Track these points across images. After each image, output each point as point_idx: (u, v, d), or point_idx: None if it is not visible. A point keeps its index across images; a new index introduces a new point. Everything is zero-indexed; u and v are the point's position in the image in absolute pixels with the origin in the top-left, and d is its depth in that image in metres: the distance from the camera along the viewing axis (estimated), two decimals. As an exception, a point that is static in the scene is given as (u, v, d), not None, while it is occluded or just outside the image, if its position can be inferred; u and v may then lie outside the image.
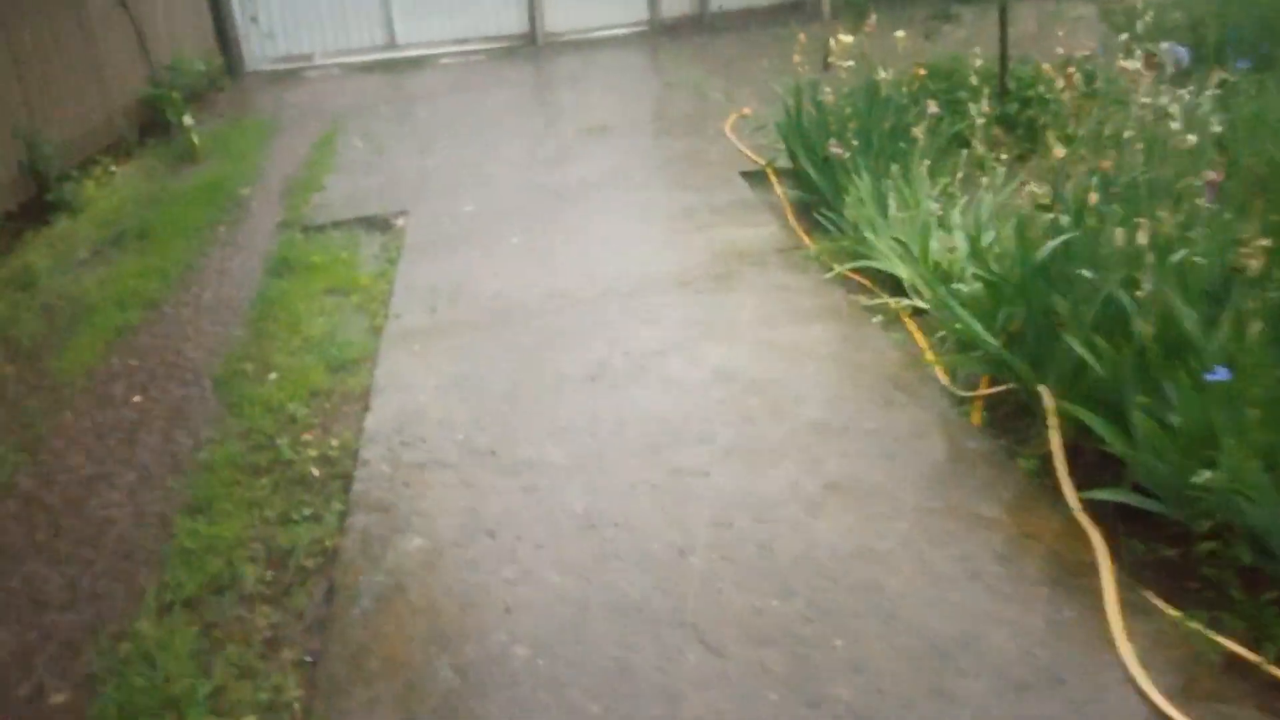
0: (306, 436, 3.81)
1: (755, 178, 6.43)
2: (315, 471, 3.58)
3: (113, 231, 6.30)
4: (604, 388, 3.89)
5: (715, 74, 9.70)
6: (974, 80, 7.19)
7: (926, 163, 4.88)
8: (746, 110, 8.14)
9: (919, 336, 4.20)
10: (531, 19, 11.61)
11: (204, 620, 2.93)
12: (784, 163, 6.29)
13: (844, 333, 4.28)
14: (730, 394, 3.79)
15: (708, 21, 12.26)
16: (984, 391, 3.64)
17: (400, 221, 6.21)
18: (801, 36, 6.34)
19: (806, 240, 5.29)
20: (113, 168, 7.37)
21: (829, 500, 3.14)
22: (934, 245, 4.48)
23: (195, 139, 7.93)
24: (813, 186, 5.60)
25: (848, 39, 5.53)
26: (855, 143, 5.28)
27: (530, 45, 11.66)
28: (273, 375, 4.34)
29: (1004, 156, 6.07)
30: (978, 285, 3.83)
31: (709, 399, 3.77)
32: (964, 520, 3.00)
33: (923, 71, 5.77)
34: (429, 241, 5.79)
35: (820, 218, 5.37)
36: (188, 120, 8.02)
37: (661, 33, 12.02)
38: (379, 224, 6.22)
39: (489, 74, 10.59)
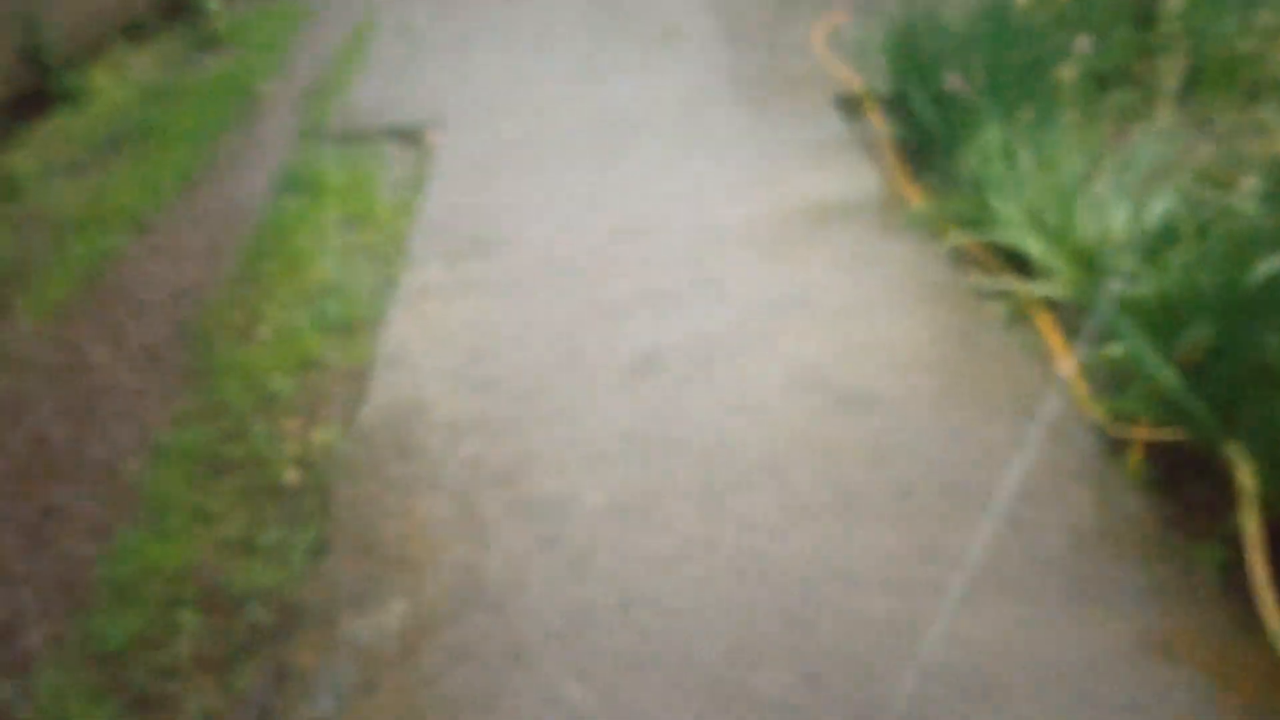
0: (287, 424, 3.10)
1: (851, 106, 5.46)
2: (291, 476, 2.88)
3: (113, 130, 5.57)
4: (653, 391, 3.11)
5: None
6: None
7: (1073, 113, 3.90)
8: (839, 15, 7.08)
9: (1055, 340, 3.34)
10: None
11: (122, 686, 2.28)
12: (887, 90, 5.31)
13: (959, 327, 3.42)
14: (813, 415, 2.98)
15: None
16: (1147, 436, 2.79)
17: (432, 136, 5.37)
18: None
19: (912, 195, 4.38)
20: (126, 54, 6.58)
21: (944, 592, 2.36)
22: (1081, 219, 3.57)
23: (219, 24, 7.09)
24: (922, 126, 4.64)
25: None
26: (981, 76, 4.29)
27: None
28: (261, 332, 3.63)
29: (1153, 102, 5.09)
30: (1147, 290, 2.94)
31: (787, 421, 2.96)
32: (1125, 644, 2.21)
33: (1069, -10, 4.70)
34: (462, 169, 4.97)
35: (930, 168, 4.45)
36: (213, 3, 7.17)
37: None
38: (408, 137, 5.39)
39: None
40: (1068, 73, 3.92)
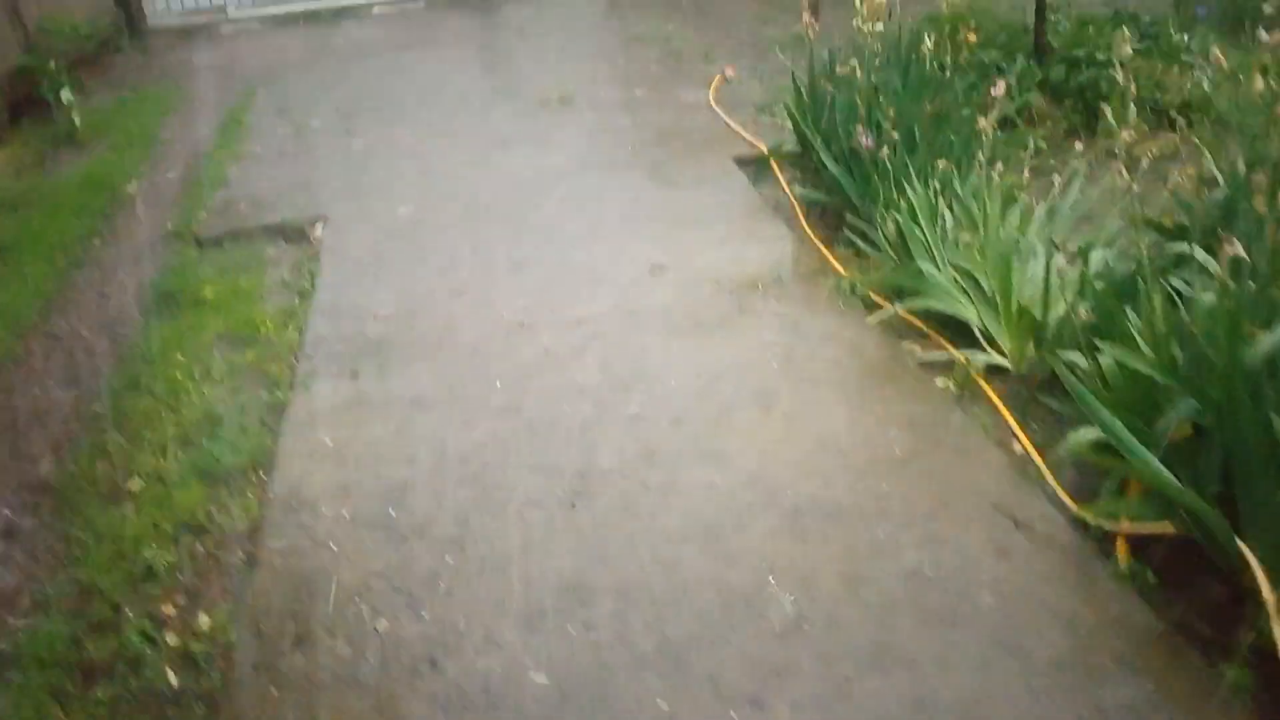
0: (166, 609, 2.61)
1: (756, 167, 5.20)
2: (172, 680, 2.39)
3: (-43, 250, 4.94)
4: (591, 528, 2.71)
5: (687, 25, 8.37)
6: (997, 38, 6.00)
7: (997, 166, 3.69)
8: (730, 71, 6.87)
9: (1010, 419, 3.07)
10: (476, -39, 10.09)
11: None
12: (793, 149, 5.07)
13: (908, 412, 3.13)
14: (772, 537, 2.63)
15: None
16: (1134, 530, 2.52)
17: (318, 230, 4.91)
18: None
19: (833, 261, 4.10)
20: (-32, 160, 5.94)
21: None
22: (1018, 279, 3.33)
23: (77, 118, 6.49)
24: (832, 184, 4.40)
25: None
26: (890, 130, 4.06)
27: (476, -9, 10.17)
28: (132, 485, 3.12)
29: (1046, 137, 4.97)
30: (1110, 361, 2.69)
31: (744, 548, 2.60)
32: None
33: (973, 35, 4.52)
34: (353, 260, 4.53)
35: (848, 230, 4.19)
36: (67, 96, 6.56)
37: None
38: (292, 234, 4.92)
39: (428, 27, 9.14)
40: (986, 121, 3.70)
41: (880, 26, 4.36)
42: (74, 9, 8.04)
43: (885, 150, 4.02)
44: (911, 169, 3.93)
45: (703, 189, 4.93)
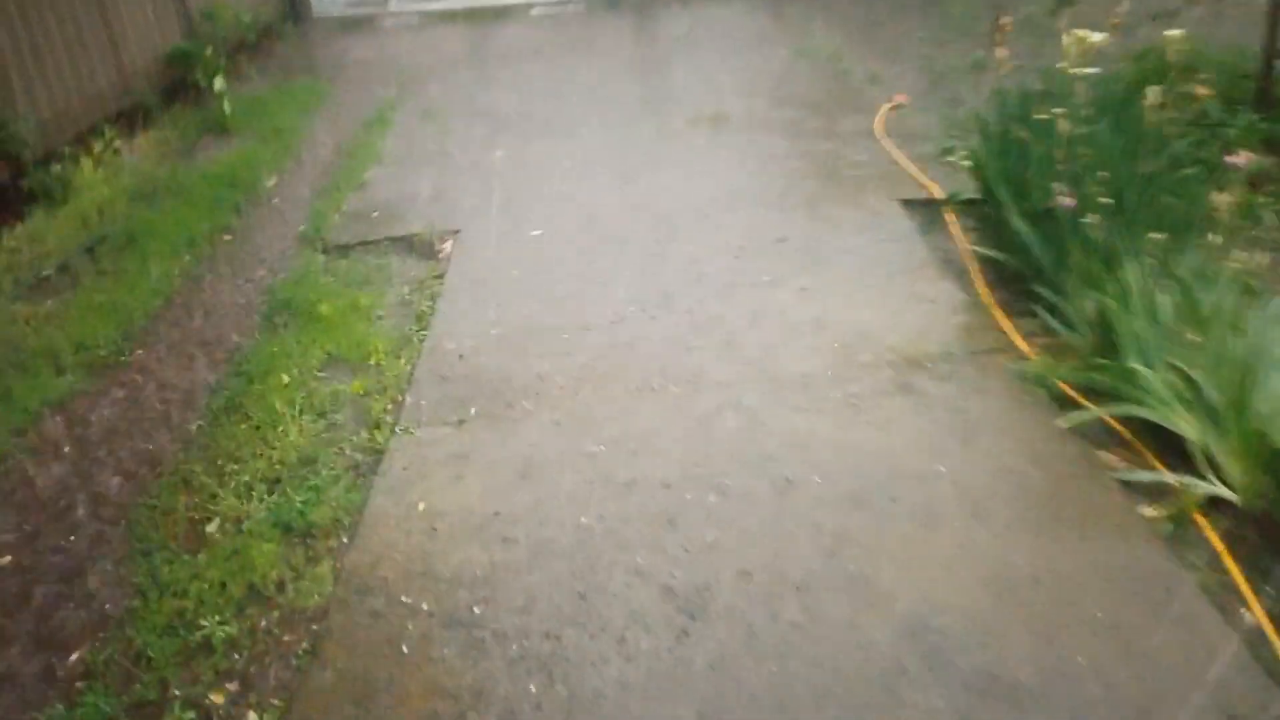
0: (215, 697, 2.26)
1: (923, 211, 4.59)
2: (205, 795, 2.02)
3: (91, 236, 4.83)
4: (702, 661, 2.22)
5: (855, 42, 7.75)
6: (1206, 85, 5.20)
7: (1233, 252, 3.01)
8: (901, 98, 6.24)
9: (1236, 570, 2.42)
10: (639, -35, 9.71)
11: None
12: (969, 191, 4.44)
13: (1107, 549, 2.51)
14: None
15: (845, -25, 10.16)
16: None
17: (447, 247, 4.58)
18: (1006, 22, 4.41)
19: (1016, 338, 3.48)
20: (119, 143, 5.88)
21: None
22: (1259, 395, 2.66)
23: (227, 106, 6.40)
24: (1019, 245, 3.77)
25: (1093, 36, 3.60)
26: (1101, 194, 3.41)
27: (636, -4, 9.79)
28: (210, 529, 2.80)
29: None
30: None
31: None
32: None
33: (1204, 89, 3.81)
34: (478, 283, 4.16)
35: (1031, 298, 3.57)
36: (219, 84, 6.48)
37: (789, -14, 9.99)
38: (420, 248, 4.60)
39: (584, 31, 8.81)
40: (1223, 195, 3.03)
41: (1090, 69, 3.69)
42: (242, -5, 8.06)
43: (1090, 215, 3.38)
44: (1118, 240, 3.28)
45: (864, 235, 4.35)
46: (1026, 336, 3.51)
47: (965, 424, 3.04)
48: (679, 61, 7.65)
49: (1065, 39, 3.65)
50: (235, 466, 3.06)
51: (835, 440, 2.97)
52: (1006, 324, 3.57)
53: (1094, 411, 2.98)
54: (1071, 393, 3.11)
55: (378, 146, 5.95)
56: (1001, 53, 4.11)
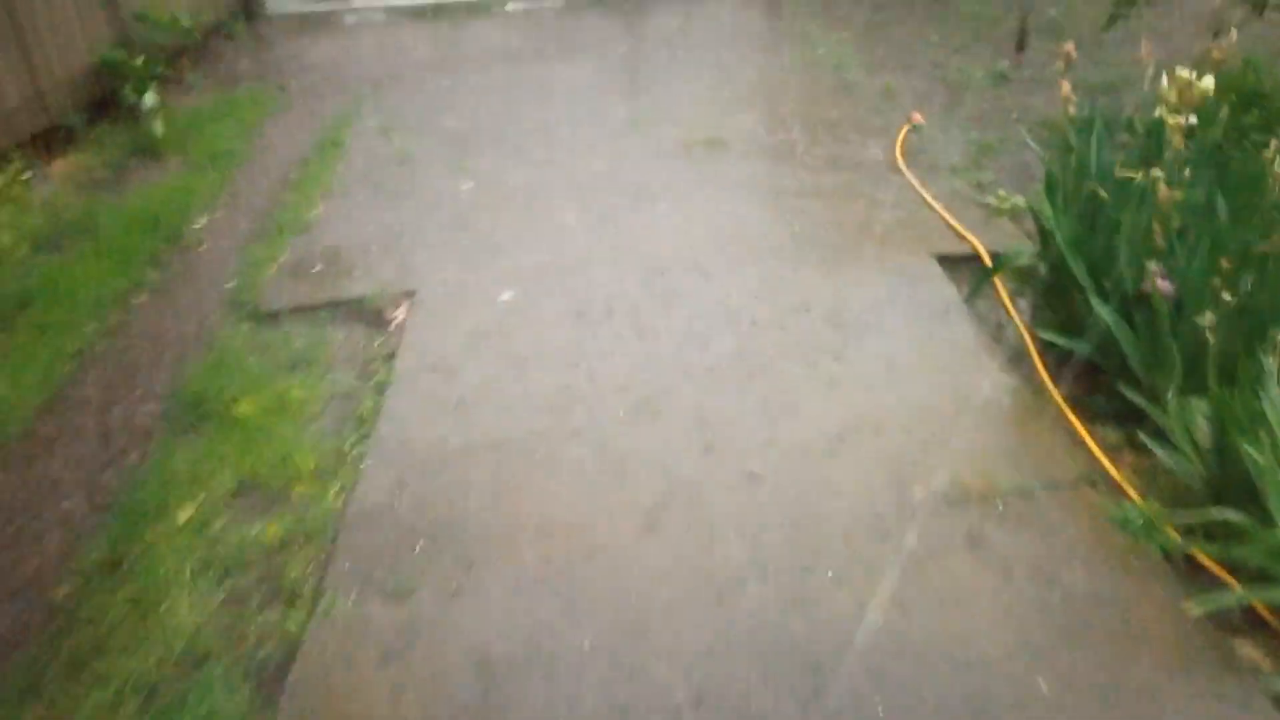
0: None
1: (964, 270, 3.82)
2: None
3: (-20, 298, 3.98)
4: None
5: (861, 47, 6.93)
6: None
7: None
8: (917, 117, 5.45)
9: None
10: (623, -43, 8.83)
11: None
12: (1025, 249, 3.66)
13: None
14: None
15: (844, -33, 9.30)
16: None
17: (400, 314, 3.77)
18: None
19: (1112, 470, 2.71)
20: (30, 173, 5.01)
21: None
22: None
23: (159, 126, 5.53)
24: (1097, 333, 2.99)
25: (1202, 80, 2.79)
26: (1220, 285, 2.64)
27: (620, -9, 8.91)
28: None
29: None
30: None
31: None
32: None
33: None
34: (434, 370, 3.36)
35: (1111, 397, 2.80)
36: (151, 99, 5.61)
37: (784, -21, 9.13)
38: (369, 315, 3.79)
39: (564, 31, 7.94)
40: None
41: (1193, 118, 2.90)
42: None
43: (1196, 304, 2.61)
44: (1239, 341, 2.52)
45: (899, 304, 3.57)
46: (1110, 452, 2.75)
47: (1061, 602, 2.28)
48: (669, 69, 6.80)
49: (1163, 82, 2.86)
50: (103, 668, 2.26)
51: (894, 633, 2.20)
52: (1091, 442, 2.80)
53: (1236, 595, 2.22)
54: (1201, 557, 2.35)
55: (328, 174, 5.10)
56: (1066, 89, 3.31)
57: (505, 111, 5.99)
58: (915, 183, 4.59)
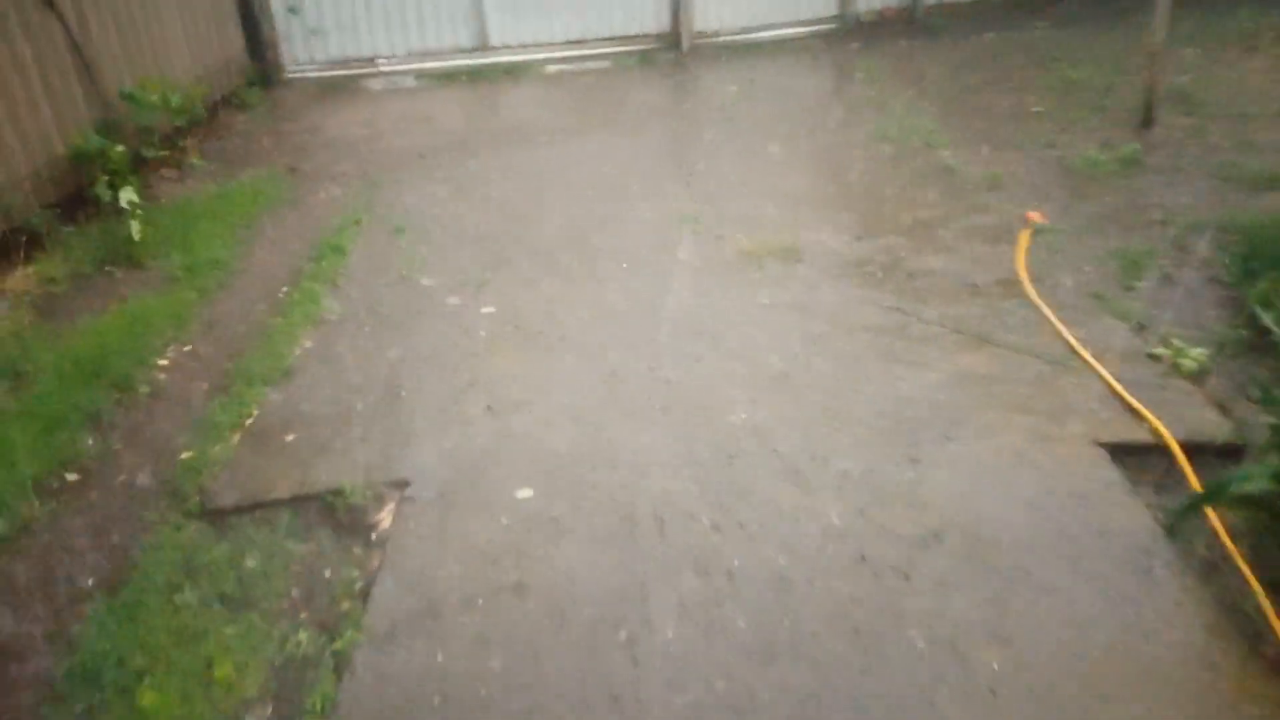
0: None
1: (1149, 466, 2.76)
2: None
3: None
4: None
5: (949, 117, 5.92)
6: None
7: None
8: (1036, 216, 4.41)
9: None
10: (674, 13, 7.93)
11: None
12: (1180, 399, 2.59)
13: None
14: None
15: (922, 18, 8.31)
16: None
17: (385, 518, 2.82)
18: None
19: None
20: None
21: None
22: None
23: (136, 230, 4.68)
24: None
25: None
26: None
27: (671, 49, 8.00)
28: None
29: None
30: None
31: None
32: None
33: None
34: (423, 616, 2.41)
35: None
36: (128, 197, 4.77)
37: (853, 34, 8.16)
38: (345, 519, 2.85)
39: (608, 99, 7.03)
40: None
41: None
42: (203, 59, 6.38)
43: None
44: None
45: (1066, 541, 2.52)
46: None
47: None
48: (727, 147, 5.84)
49: None
50: None
51: None
52: None
53: None
54: None
55: (319, 297, 4.19)
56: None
57: (537, 206, 5.07)
58: (1052, 317, 3.54)
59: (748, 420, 3.10)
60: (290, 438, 3.23)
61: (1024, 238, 4.19)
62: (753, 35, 8.08)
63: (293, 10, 7.38)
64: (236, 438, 3.26)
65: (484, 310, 3.99)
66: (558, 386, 3.38)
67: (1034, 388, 3.16)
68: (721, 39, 8.05)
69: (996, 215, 4.51)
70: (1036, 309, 3.65)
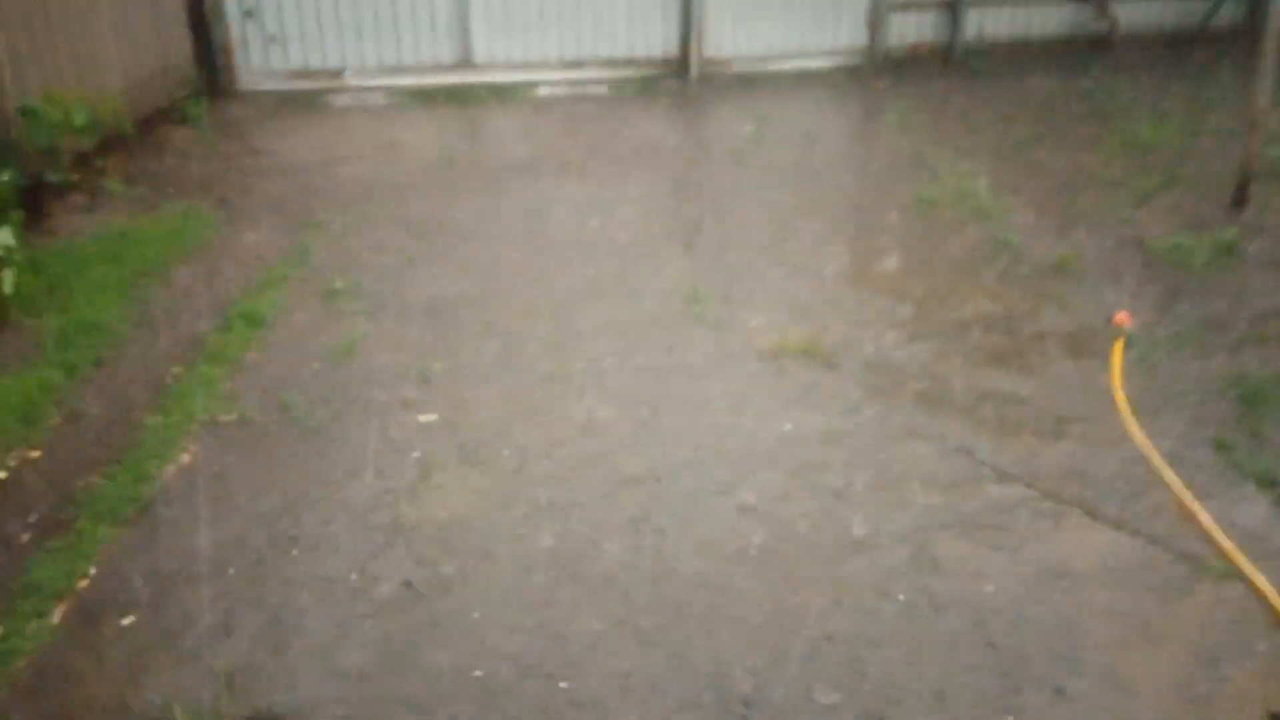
0: None
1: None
2: None
3: None
4: None
5: (1003, 180, 5.05)
6: None
7: None
8: (1123, 319, 3.53)
9: None
10: (683, 35, 7.05)
11: None
12: None
13: None
14: None
15: (959, 56, 7.45)
16: None
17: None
18: None
19: None
20: None
21: None
22: None
23: (8, 280, 3.76)
24: None
25: None
26: None
27: (677, 76, 7.12)
28: None
29: None
30: None
31: None
32: None
33: None
34: None
35: None
36: (2, 240, 3.84)
37: (881, 70, 7.30)
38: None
39: (603, 130, 6.14)
40: None
41: None
42: (137, 66, 5.50)
43: None
44: None
45: None
46: None
47: None
48: (739, 202, 4.96)
49: None
50: None
51: None
52: None
53: None
54: None
55: (219, 385, 3.28)
56: None
57: (508, 270, 4.17)
58: (1175, 481, 2.66)
59: (772, 652, 2.19)
60: (128, 620, 2.32)
61: (1117, 352, 3.31)
62: (770, 66, 7.21)
63: (249, 13, 6.48)
64: (59, 613, 2.35)
65: (422, 419, 3.09)
66: (506, 552, 2.48)
67: (1164, 601, 2.27)
68: (735, 68, 7.18)
69: (1074, 313, 3.65)
70: (1144, 460, 2.76)
